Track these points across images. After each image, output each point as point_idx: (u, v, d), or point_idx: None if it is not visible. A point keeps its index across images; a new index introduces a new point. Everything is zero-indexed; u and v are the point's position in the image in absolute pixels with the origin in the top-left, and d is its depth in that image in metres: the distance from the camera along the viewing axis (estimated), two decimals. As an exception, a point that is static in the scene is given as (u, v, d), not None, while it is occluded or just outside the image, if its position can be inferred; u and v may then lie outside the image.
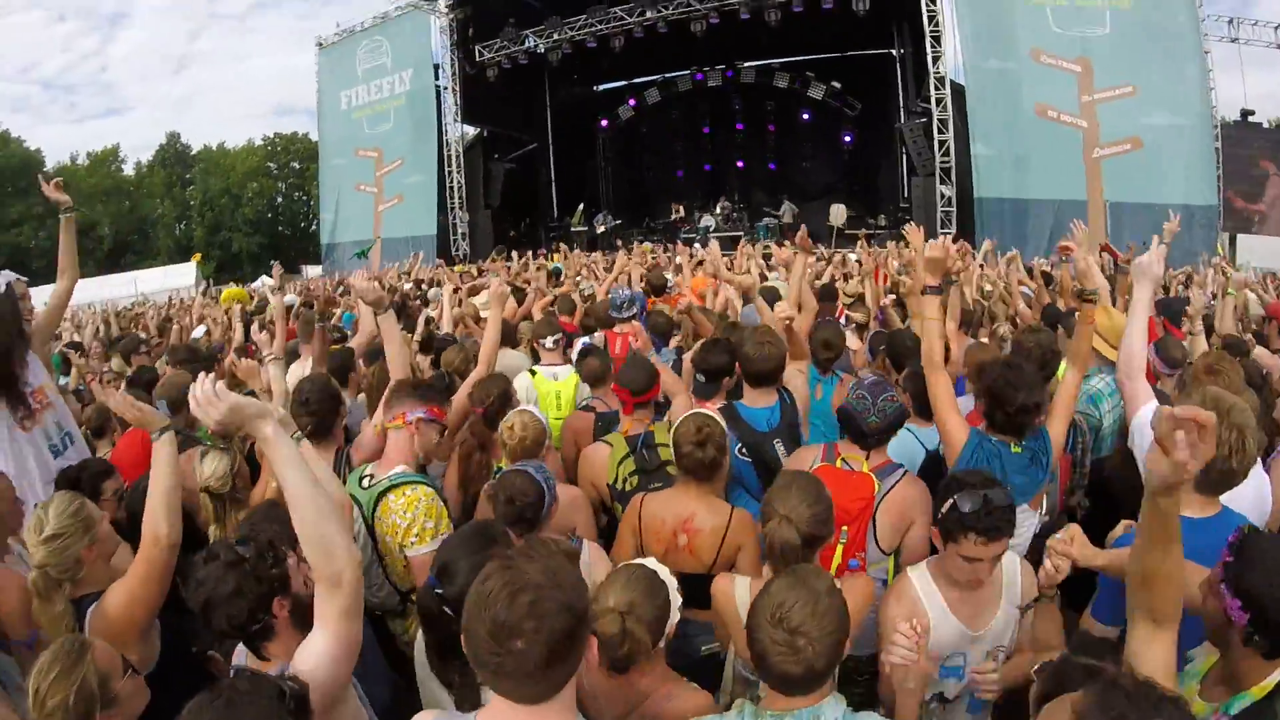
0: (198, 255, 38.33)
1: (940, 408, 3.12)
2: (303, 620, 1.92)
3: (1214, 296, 7.25)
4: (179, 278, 36.83)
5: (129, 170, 60.05)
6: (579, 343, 5.66)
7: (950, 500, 2.35)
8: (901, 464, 3.17)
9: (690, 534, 2.88)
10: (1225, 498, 2.52)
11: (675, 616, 2.22)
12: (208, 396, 1.87)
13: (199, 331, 8.34)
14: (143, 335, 9.28)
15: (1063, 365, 4.22)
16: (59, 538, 2.37)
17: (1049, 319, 5.51)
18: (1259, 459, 2.75)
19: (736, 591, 2.52)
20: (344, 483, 3.08)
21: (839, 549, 2.88)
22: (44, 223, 48.94)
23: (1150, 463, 1.65)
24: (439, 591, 2.12)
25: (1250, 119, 20.23)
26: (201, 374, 1.94)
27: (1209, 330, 5.57)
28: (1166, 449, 1.57)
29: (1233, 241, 18.96)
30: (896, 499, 2.96)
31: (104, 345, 8.12)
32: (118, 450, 4.19)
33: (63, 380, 6.00)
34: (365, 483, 3.04)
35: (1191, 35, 17.07)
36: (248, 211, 56.07)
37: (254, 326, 6.66)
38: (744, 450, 3.57)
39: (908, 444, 3.47)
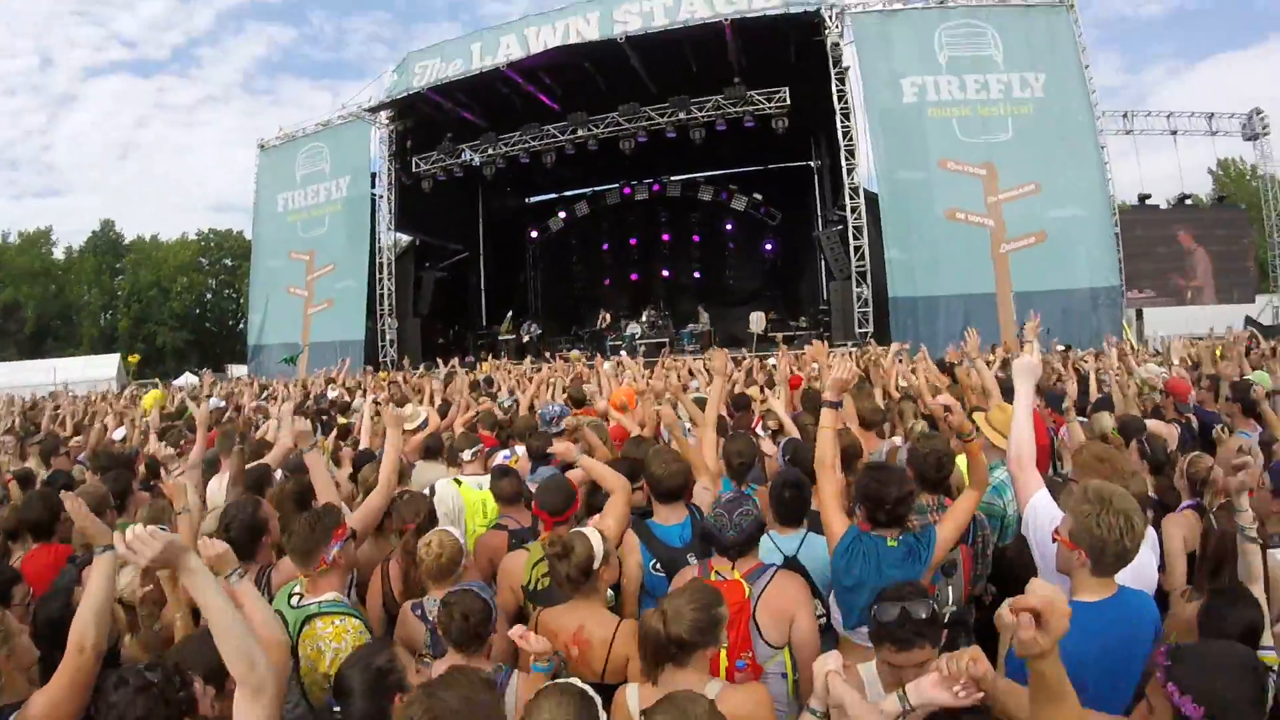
0: (134, 356, 37.28)
1: (825, 507, 3.29)
2: None
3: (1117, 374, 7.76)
4: (100, 369, 35.82)
5: (59, 254, 59.02)
6: (499, 455, 5.75)
7: (872, 609, 2.49)
8: (773, 564, 3.33)
9: (581, 645, 2.97)
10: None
11: None
12: (142, 537, 2.07)
13: (119, 433, 8.31)
14: (60, 432, 9.21)
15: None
16: None
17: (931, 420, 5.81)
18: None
19: (628, 699, 2.63)
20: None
21: (722, 653, 2.95)
22: None
23: (1015, 645, 1.85)
24: (336, 709, 2.23)
25: (1148, 201, 22.25)
26: (137, 525, 2.18)
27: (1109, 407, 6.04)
28: (1020, 639, 1.76)
29: (1139, 316, 20.43)
30: (772, 596, 3.11)
31: (18, 439, 8.01)
32: (27, 559, 4.16)
33: None
34: (293, 600, 3.12)
35: (1088, 132, 18.45)
36: (176, 306, 55.16)
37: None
38: (658, 566, 3.65)
39: (766, 549, 3.56)
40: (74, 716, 2.35)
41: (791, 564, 3.55)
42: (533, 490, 4.30)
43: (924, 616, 2.42)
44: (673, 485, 3.83)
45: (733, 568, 3.23)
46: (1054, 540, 2.77)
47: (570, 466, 4.52)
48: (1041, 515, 3.08)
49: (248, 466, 4.96)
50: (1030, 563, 3.22)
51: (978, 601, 3.88)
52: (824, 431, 3.46)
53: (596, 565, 3.10)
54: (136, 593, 3.23)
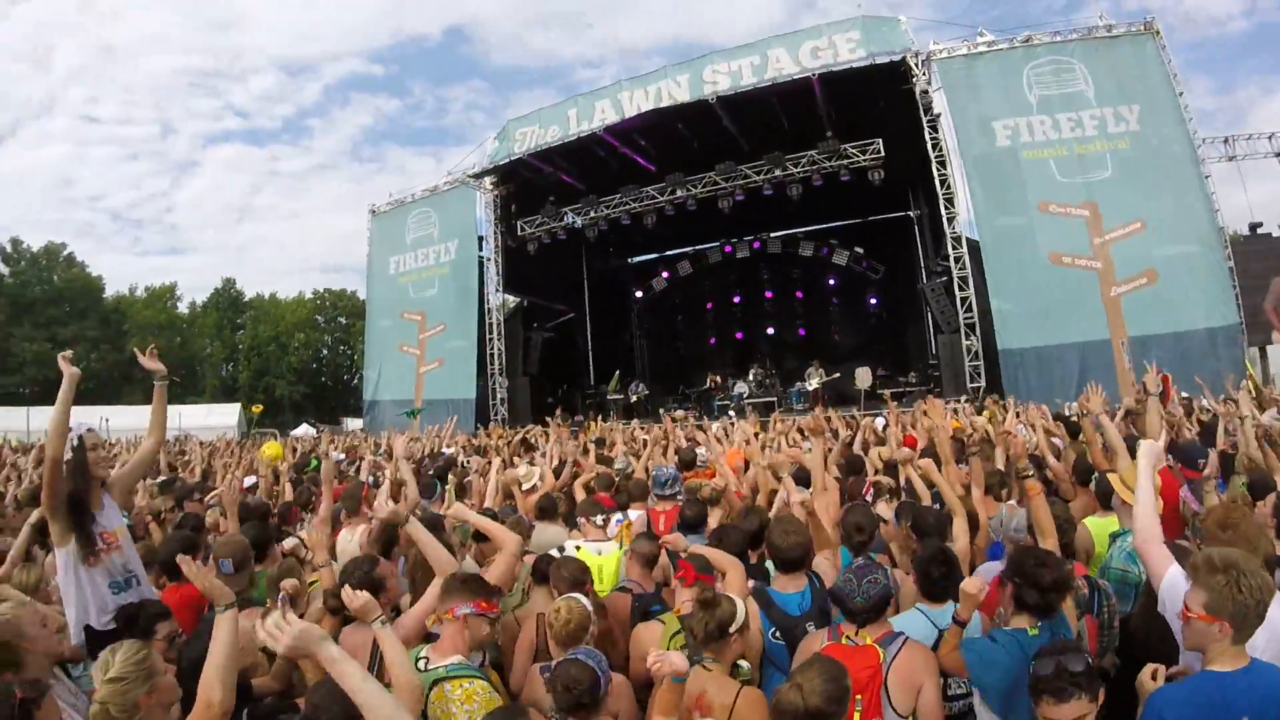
0: (257, 407, 39.10)
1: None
2: None
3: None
4: (221, 417, 37.76)
5: (183, 308, 62.94)
6: (614, 519, 5.80)
7: (1031, 667, 2.57)
8: (903, 632, 3.31)
9: (703, 710, 2.97)
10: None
11: None
12: (278, 625, 2.21)
13: (249, 481, 8.66)
14: (189, 478, 9.72)
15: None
16: (120, 681, 2.47)
17: (1080, 473, 5.57)
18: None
19: None
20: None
21: (856, 715, 2.99)
22: (96, 346, 50.85)
23: None
24: None
25: (1259, 230, 20.84)
26: (274, 611, 2.35)
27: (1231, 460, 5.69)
28: None
29: (1263, 354, 19.05)
30: (903, 663, 3.13)
31: (151, 480, 8.51)
32: (164, 595, 4.37)
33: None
34: (421, 665, 3.16)
35: (1190, 162, 17.37)
36: (293, 360, 57.76)
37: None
38: (777, 634, 3.70)
39: (920, 625, 3.54)
40: None
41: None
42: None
43: (1079, 669, 2.47)
44: (793, 555, 3.88)
45: (858, 632, 3.26)
46: (1184, 619, 2.73)
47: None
48: (1181, 590, 2.96)
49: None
50: (1158, 632, 3.18)
51: (1103, 674, 3.65)
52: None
53: (733, 629, 3.16)
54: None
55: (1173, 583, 3.04)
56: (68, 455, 3.89)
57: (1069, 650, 2.53)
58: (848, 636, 3.26)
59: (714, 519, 5.42)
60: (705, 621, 3.12)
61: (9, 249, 52.76)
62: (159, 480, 9.05)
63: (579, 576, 4.03)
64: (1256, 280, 19.27)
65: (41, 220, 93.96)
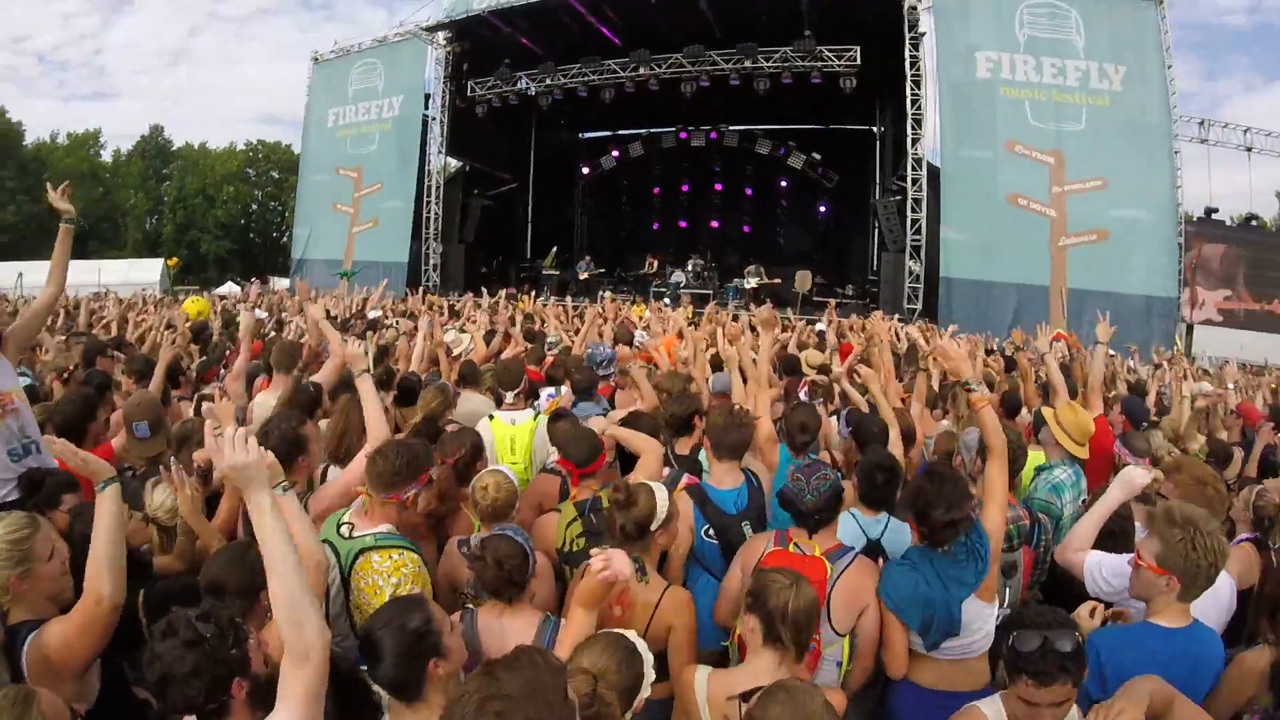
0: (173, 260, 37.68)
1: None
2: (260, 700, 1.93)
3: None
4: (143, 273, 36.34)
5: (107, 156, 59.80)
6: (543, 393, 5.63)
7: (1010, 638, 2.29)
8: (852, 547, 3.22)
9: (624, 605, 2.82)
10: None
11: (646, 691, 2.23)
12: (239, 442, 1.95)
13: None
14: (101, 335, 9.16)
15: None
16: None
17: (1009, 405, 5.66)
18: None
19: (697, 684, 2.54)
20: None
21: None
22: (14, 197, 48.52)
23: None
24: (364, 668, 2.14)
25: (1214, 216, 21.24)
26: (238, 427, 2.01)
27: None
28: None
29: (1190, 331, 19.67)
30: (849, 582, 3.03)
31: (67, 336, 7.98)
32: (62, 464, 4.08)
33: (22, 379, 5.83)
34: (344, 531, 2.99)
35: (1164, 134, 17.69)
36: (220, 215, 55.68)
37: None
38: (710, 532, 3.57)
39: (850, 530, 3.49)
40: (89, 656, 2.37)
41: (874, 548, 3.45)
42: None
43: (1068, 649, 2.20)
44: (735, 440, 3.67)
45: (811, 540, 3.11)
46: (1135, 565, 2.75)
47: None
48: (1107, 567, 3.12)
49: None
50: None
51: (1025, 604, 3.70)
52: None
53: (655, 525, 2.96)
54: (171, 515, 3.17)
55: (1093, 565, 3.16)
56: None
57: (1056, 625, 2.25)
58: (796, 543, 3.11)
59: (643, 403, 5.18)
60: (622, 522, 2.93)
61: (-81, 94, 49.18)
62: (71, 333, 8.43)
63: (478, 448, 3.89)
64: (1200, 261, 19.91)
65: None
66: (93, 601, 2.31)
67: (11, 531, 2.39)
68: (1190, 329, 19.77)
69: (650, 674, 2.23)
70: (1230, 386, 8.88)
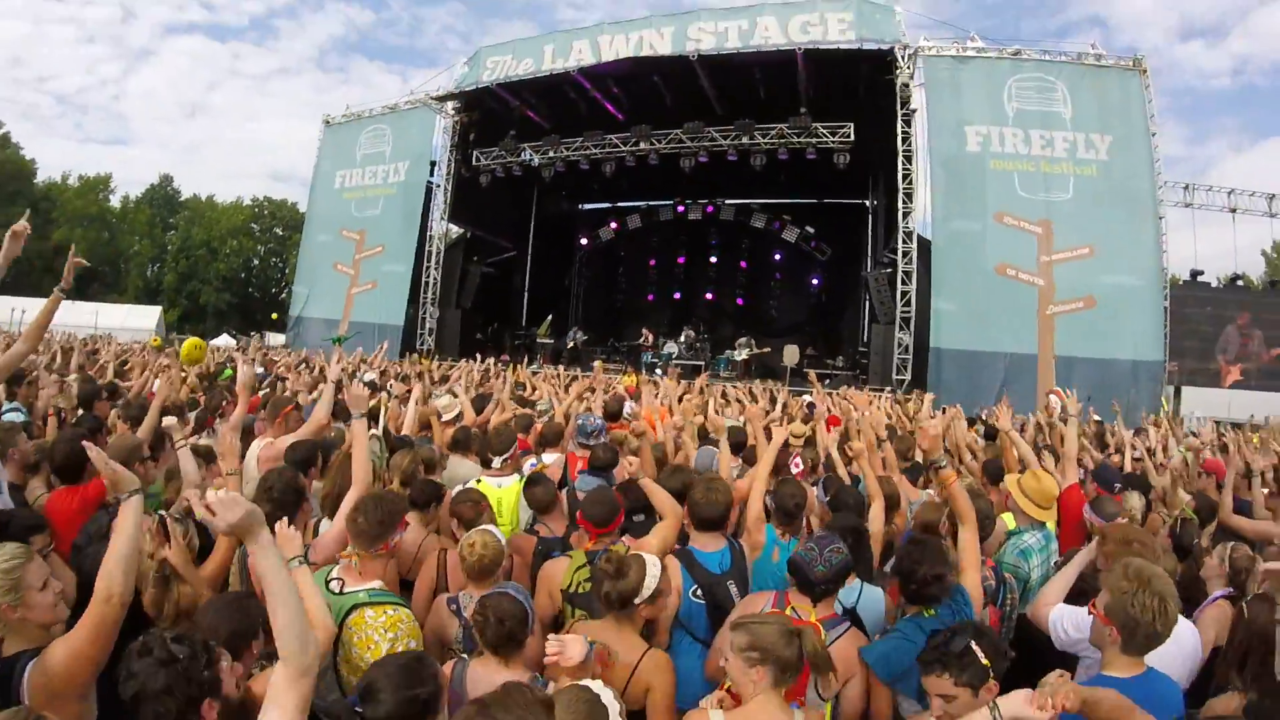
0: (172, 313, 37.66)
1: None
2: None
3: (1155, 450, 7.65)
4: (141, 319, 36.42)
5: (115, 202, 60.43)
6: (527, 462, 5.76)
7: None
8: (845, 619, 3.34)
9: (604, 664, 2.89)
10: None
11: None
12: (225, 502, 2.04)
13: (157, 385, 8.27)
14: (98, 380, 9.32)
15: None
16: None
17: (990, 473, 5.77)
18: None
19: None
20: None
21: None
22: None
23: None
24: (358, 710, 2.19)
25: (1199, 278, 21.64)
26: (222, 483, 2.17)
27: (1146, 489, 5.85)
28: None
29: (1177, 394, 19.85)
30: (839, 652, 3.07)
31: (60, 377, 8.03)
32: (52, 500, 4.15)
33: (10, 413, 5.84)
34: (334, 586, 3.10)
35: (1149, 200, 17.88)
36: (222, 267, 56.15)
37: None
38: (698, 592, 3.66)
39: None
40: (96, 666, 2.33)
41: (850, 615, 3.52)
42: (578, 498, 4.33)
43: (956, 650, 2.51)
44: (713, 514, 3.82)
45: (814, 609, 3.24)
46: (1089, 613, 2.83)
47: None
48: (1068, 618, 3.25)
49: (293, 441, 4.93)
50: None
51: None
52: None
53: (639, 600, 3.08)
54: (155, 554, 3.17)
55: (1057, 618, 3.30)
56: None
57: (961, 632, 2.57)
58: (794, 608, 3.24)
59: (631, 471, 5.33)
60: (608, 590, 3.07)
61: (-66, 125, 49.76)
62: (71, 377, 8.58)
63: (479, 505, 4.00)
64: (1188, 325, 20.19)
65: None
66: (103, 599, 2.34)
67: (3, 560, 2.42)
68: (1178, 391, 19.96)
69: None
70: (1206, 444, 9.02)
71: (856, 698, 3.14)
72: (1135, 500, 5.17)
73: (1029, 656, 3.57)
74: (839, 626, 3.23)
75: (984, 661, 2.51)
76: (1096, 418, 12.13)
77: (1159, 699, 2.64)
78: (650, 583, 3.09)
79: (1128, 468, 7.36)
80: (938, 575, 3.11)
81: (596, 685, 2.35)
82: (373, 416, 7.27)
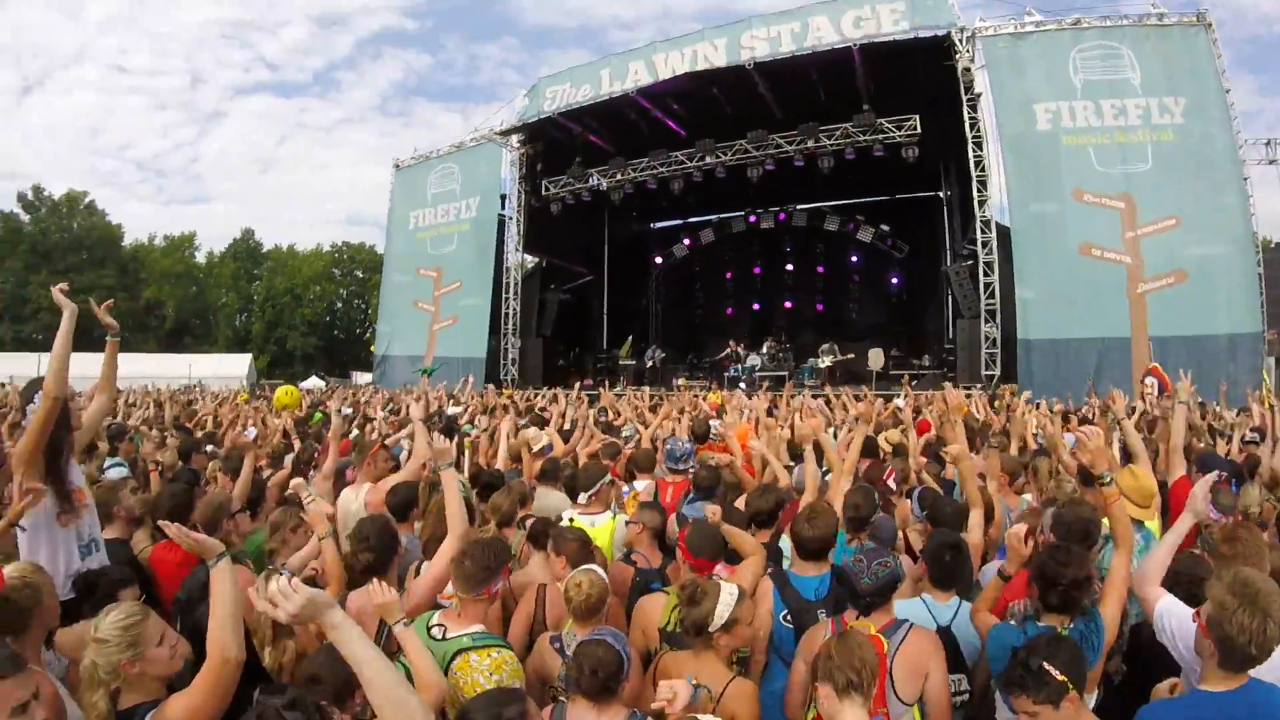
0: (262, 359, 39.09)
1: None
2: None
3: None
4: (233, 367, 38.00)
5: (200, 258, 63.33)
6: (621, 489, 5.79)
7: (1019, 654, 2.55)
8: (907, 619, 3.27)
9: (709, 709, 2.84)
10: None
11: None
12: (285, 591, 2.07)
13: (250, 432, 8.52)
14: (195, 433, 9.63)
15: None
16: (104, 644, 2.43)
17: (1084, 475, 5.49)
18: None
19: None
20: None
21: None
22: (112, 293, 51.43)
23: None
24: None
25: None
26: (276, 576, 2.17)
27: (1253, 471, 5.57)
28: None
29: (1279, 365, 18.78)
30: (908, 652, 3.08)
31: (160, 432, 8.44)
32: (158, 551, 4.28)
33: (114, 469, 6.08)
34: (436, 633, 3.09)
35: (1231, 161, 16.97)
36: (307, 313, 58.19)
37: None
38: (788, 617, 3.61)
39: (920, 615, 3.51)
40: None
41: (945, 633, 3.45)
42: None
43: (1035, 665, 2.45)
44: (814, 546, 3.76)
45: (862, 619, 3.18)
46: (1194, 620, 2.69)
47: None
48: (1174, 619, 3.01)
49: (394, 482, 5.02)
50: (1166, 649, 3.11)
51: (1107, 679, 3.57)
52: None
53: (713, 628, 3.04)
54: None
55: (1162, 611, 3.05)
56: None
57: (1033, 650, 2.51)
58: (852, 627, 3.13)
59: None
60: (683, 617, 3.07)
61: (30, 196, 53.23)
62: (171, 425, 8.94)
63: (585, 543, 3.96)
64: None
65: (68, 169, 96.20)
66: (219, 661, 2.43)
67: (123, 618, 2.49)
68: (1279, 362, 18.85)
69: None
70: None
71: (940, 688, 3.08)
72: (1254, 493, 4.89)
73: (1142, 670, 3.42)
74: (900, 629, 3.17)
75: (1060, 678, 2.43)
76: (1199, 400, 11.53)
77: (1265, 712, 2.50)
78: (723, 611, 3.04)
79: (1235, 453, 6.97)
80: (1086, 579, 3.03)
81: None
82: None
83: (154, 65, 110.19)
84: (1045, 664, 2.43)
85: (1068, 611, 3.04)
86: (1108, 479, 3.37)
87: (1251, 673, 2.54)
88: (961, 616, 3.51)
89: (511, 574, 4.02)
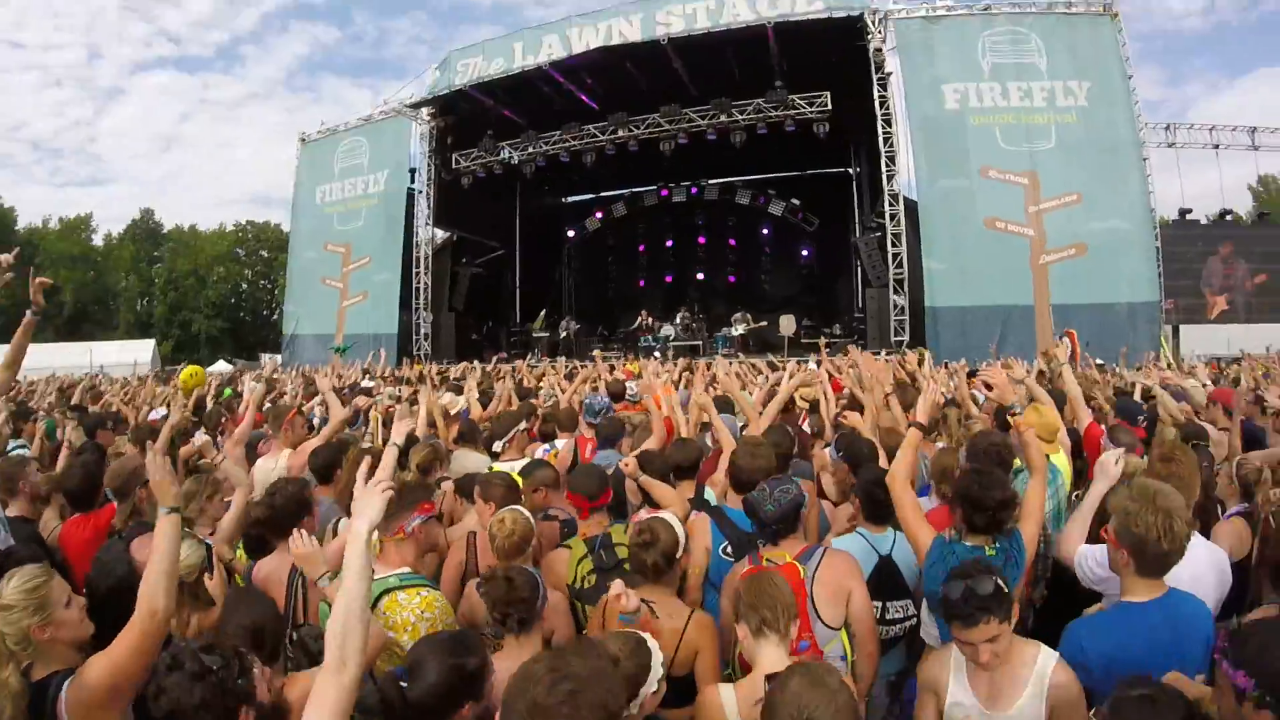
0: (167, 344, 37.58)
1: (909, 521, 3.31)
2: None
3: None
4: (136, 353, 36.41)
5: (98, 240, 60.13)
6: (540, 449, 5.81)
7: (942, 590, 2.51)
8: (819, 545, 3.35)
9: (650, 632, 2.77)
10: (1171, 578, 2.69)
11: (653, 686, 2.29)
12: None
13: (158, 413, 8.31)
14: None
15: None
16: (9, 609, 2.33)
17: (1000, 420, 5.72)
18: (1196, 534, 2.98)
19: (724, 700, 2.56)
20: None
21: None
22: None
23: None
24: (403, 684, 2.14)
25: (1188, 216, 22.07)
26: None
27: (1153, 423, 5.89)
28: None
29: (1176, 333, 20.02)
30: (825, 574, 3.10)
31: (62, 414, 8.14)
32: (67, 528, 4.17)
33: (18, 450, 5.90)
34: None
35: (1131, 143, 17.96)
36: (212, 294, 55.93)
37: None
38: (728, 550, 3.67)
39: (860, 547, 3.59)
40: (137, 682, 2.30)
41: (886, 562, 3.57)
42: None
43: (987, 591, 2.40)
44: (754, 477, 3.73)
45: (778, 549, 3.22)
46: (1102, 537, 2.81)
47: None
48: (1090, 552, 3.19)
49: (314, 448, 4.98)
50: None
51: (1030, 604, 3.81)
52: (908, 449, 3.46)
53: (679, 553, 3.10)
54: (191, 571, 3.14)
55: (1083, 553, 3.21)
56: None
57: (978, 573, 2.47)
58: (769, 559, 3.19)
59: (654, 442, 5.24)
60: (651, 560, 3.05)
61: (-87, 181, 49.58)
62: (70, 405, 8.61)
63: (511, 486, 3.95)
64: (1180, 263, 20.44)
65: None
66: (147, 614, 2.34)
67: (26, 581, 2.39)
68: (1176, 330, 20.14)
69: (659, 670, 2.30)
70: (1207, 383, 9.09)
71: (862, 608, 3.14)
72: (1169, 432, 5.22)
73: (1061, 595, 3.65)
74: (815, 553, 3.20)
75: (1006, 590, 2.48)
76: (1099, 362, 12.18)
77: (1186, 619, 2.62)
78: (681, 534, 3.12)
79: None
80: (1010, 499, 3.10)
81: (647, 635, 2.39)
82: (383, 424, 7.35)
83: (49, 40, 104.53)
84: (997, 580, 2.45)
85: (992, 532, 3.10)
86: (1017, 409, 3.55)
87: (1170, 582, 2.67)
88: (899, 545, 3.58)
89: (444, 528, 4.04)
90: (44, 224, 58.53)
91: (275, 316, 51.16)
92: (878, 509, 3.64)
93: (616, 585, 2.64)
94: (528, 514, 3.44)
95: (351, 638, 1.92)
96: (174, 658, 1.99)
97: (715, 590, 3.61)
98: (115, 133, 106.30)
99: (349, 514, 3.94)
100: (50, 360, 24.87)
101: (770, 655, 2.50)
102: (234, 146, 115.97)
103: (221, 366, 34.34)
